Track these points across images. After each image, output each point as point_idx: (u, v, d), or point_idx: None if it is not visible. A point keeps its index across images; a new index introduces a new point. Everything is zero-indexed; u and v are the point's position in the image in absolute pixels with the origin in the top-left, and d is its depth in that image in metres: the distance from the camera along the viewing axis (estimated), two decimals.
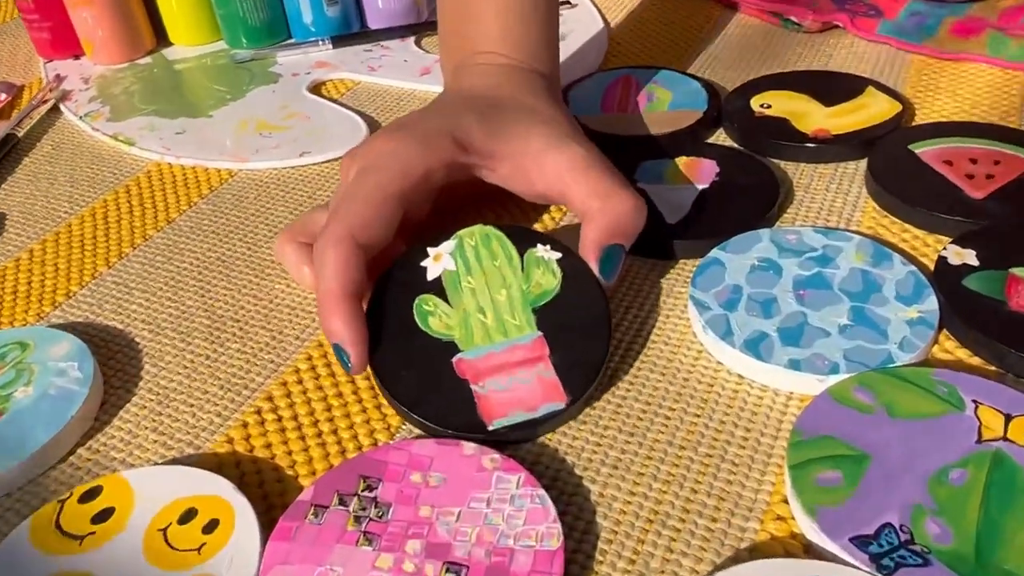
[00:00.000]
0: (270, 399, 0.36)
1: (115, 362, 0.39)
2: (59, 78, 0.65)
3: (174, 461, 0.34)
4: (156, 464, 0.34)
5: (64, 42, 0.68)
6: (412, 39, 0.65)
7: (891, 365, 0.33)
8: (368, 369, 0.34)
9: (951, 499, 0.28)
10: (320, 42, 0.64)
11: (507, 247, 0.37)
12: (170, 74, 0.64)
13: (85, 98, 0.61)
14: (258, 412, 0.36)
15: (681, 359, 0.36)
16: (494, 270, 0.36)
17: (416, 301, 0.36)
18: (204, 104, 0.59)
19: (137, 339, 0.40)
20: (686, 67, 0.59)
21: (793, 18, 0.61)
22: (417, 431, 0.34)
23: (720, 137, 0.50)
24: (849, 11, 0.60)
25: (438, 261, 0.37)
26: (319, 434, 0.34)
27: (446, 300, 0.36)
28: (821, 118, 0.48)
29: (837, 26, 0.61)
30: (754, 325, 0.35)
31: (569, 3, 0.68)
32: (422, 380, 0.34)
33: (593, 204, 0.37)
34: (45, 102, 0.61)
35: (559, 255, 0.36)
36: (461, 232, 0.38)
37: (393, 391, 0.33)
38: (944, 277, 0.36)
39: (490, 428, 0.32)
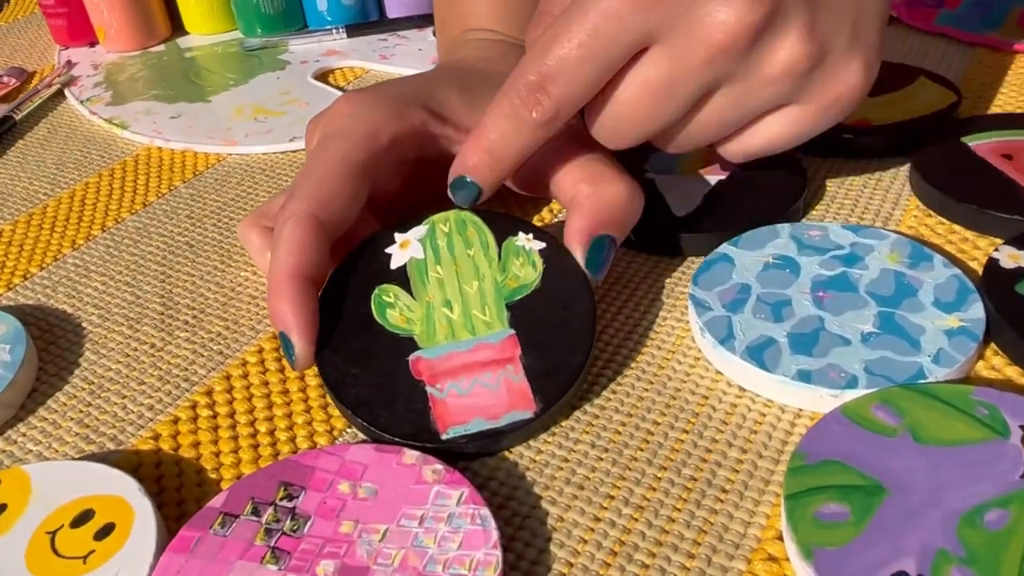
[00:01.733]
0: (209, 393, 0.32)
1: (56, 348, 0.35)
2: (70, 64, 0.63)
3: (92, 457, 0.30)
4: (71, 459, 0.30)
5: (80, 29, 0.66)
6: (430, 29, 0.62)
7: (922, 381, 0.27)
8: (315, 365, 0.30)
9: (985, 546, 0.22)
10: (334, 30, 0.61)
11: (484, 234, 0.32)
12: (180, 61, 0.61)
13: (91, 83, 0.59)
14: (193, 407, 0.32)
15: (674, 366, 0.31)
16: (467, 259, 0.32)
17: (375, 291, 0.31)
18: (206, 90, 0.56)
19: (84, 324, 0.36)
20: None
21: None
22: (362, 436, 0.30)
23: None
24: (905, 1, 0.54)
25: (405, 248, 0.32)
26: (254, 434, 0.30)
27: (409, 292, 0.31)
28: (864, 108, 0.43)
29: (893, 17, 0.55)
30: (760, 329, 0.30)
31: None
32: (372, 380, 0.29)
33: (581, 189, 0.32)
34: (51, 86, 0.60)
35: (542, 245, 0.32)
36: (434, 217, 0.33)
37: (337, 391, 0.29)
38: (994, 282, 0.31)
39: (444, 437, 0.28)
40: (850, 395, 0.27)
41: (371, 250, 0.32)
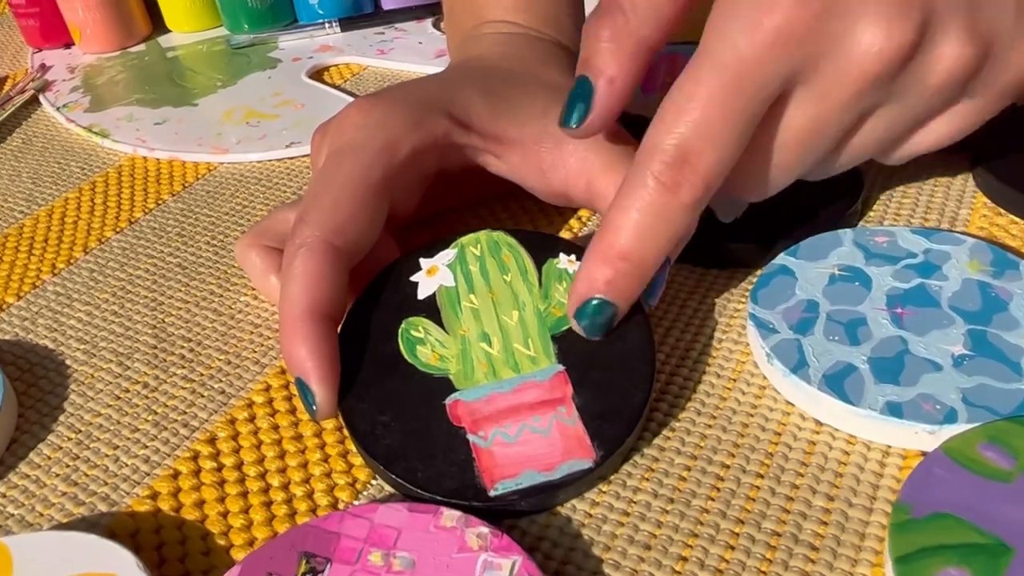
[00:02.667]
0: (212, 441, 0.28)
1: (37, 391, 0.31)
2: (43, 67, 0.59)
3: (82, 522, 0.26)
4: (58, 525, 0.26)
5: (53, 30, 0.62)
6: (430, 20, 0.58)
7: None
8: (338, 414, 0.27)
9: None
10: (327, 25, 0.57)
11: (521, 257, 0.29)
12: (162, 62, 0.57)
13: (67, 88, 0.55)
14: (195, 458, 0.28)
15: (738, 397, 0.27)
16: (504, 287, 0.28)
17: (402, 326, 0.28)
18: (191, 92, 0.52)
19: (68, 362, 0.33)
20: None
21: None
22: (389, 488, 0.26)
23: None
24: None
25: (432, 275, 0.29)
26: (265, 489, 0.27)
27: (441, 325, 0.28)
28: None
29: None
30: (836, 354, 0.26)
31: None
32: (405, 429, 0.25)
33: None
34: (23, 92, 0.55)
35: None
36: (463, 239, 0.30)
37: (366, 443, 0.25)
38: None
39: (492, 493, 0.24)
40: (949, 431, 0.24)
41: (394, 279, 0.29)
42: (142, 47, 0.60)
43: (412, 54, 0.54)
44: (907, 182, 0.36)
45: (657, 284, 0.27)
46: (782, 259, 0.30)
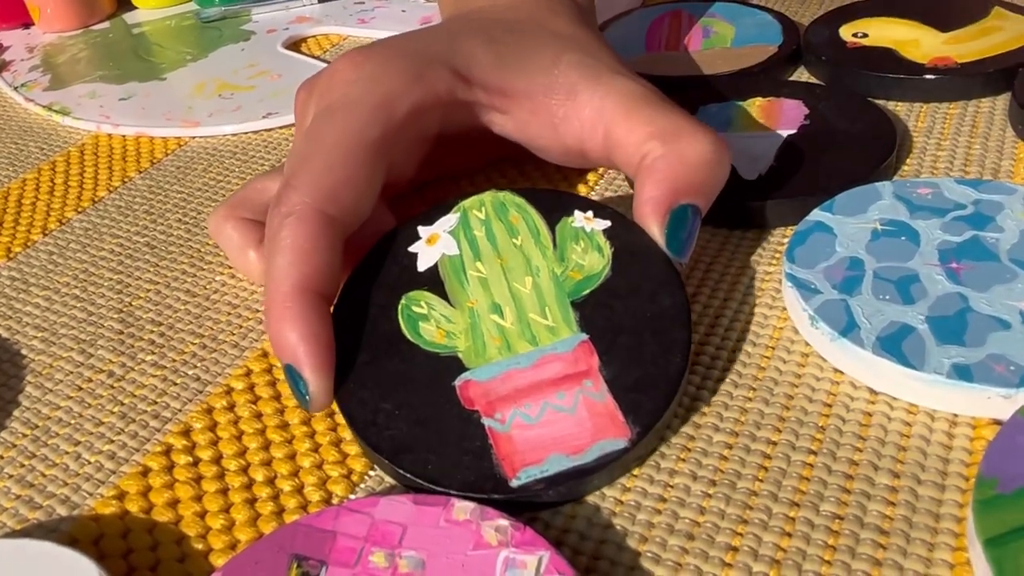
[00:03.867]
0: (186, 433, 0.25)
1: None
2: (1, 47, 0.55)
3: (38, 527, 0.23)
4: (10, 532, 0.23)
5: (11, 10, 0.58)
6: None
7: None
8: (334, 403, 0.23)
9: None
10: None
11: (531, 218, 0.26)
12: (128, 38, 0.54)
13: (25, 68, 0.52)
14: (167, 453, 0.25)
15: (779, 367, 0.24)
16: (514, 251, 0.25)
17: (402, 302, 0.24)
18: (159, 67, 0.48)
19: (24, 351, 0.29)
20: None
21: None
22: (389, 479, 0.23)
23: (802, 76, 0.39)
24: None
25: (433, 244, 0.26)
26: (248, 485, 0.23)
27: (445, 298, 0.24)
28: (938, 45, 0.37)
29: None
30: (889, 315, 0.24)
31: None
32: (411, 417, 0.22)
33: (654, 148, 0.25)
34: None
35: (607, 223, 0.25)
36: (465, 202, 0.26)
37: (368, 435, 0.22)
38: None
39: (514, 484, 0.21)
40: None
41: (391, 251, 0.26)
42: (106, 24, 0.57)
43: (395, 22, 0.50)
44: (940, 134, 0.33)
45: (688, 238, 0.24)
46: (817, 215, 0.28)
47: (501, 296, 0.24)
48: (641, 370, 0.22)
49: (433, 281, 0.25)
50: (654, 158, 0.25)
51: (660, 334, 0.23)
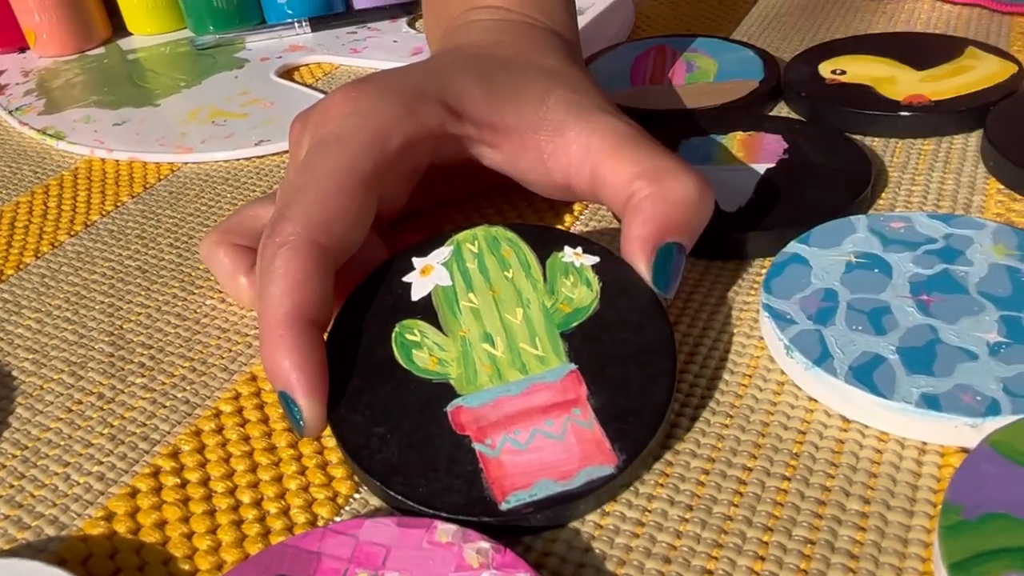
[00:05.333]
0: (175, 455, 0.26)
1: None
2: None
3: (27, 547, 0.23)
4: None
5: (7, 34, 0.59)
6: (404, 20, 0.56)
7: None
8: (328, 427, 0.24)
9: None
10: (297, 24, 0.55)
11: (522, 252, 0.26)
12: (123, 64, 0.54)
13: (20, 92, 0.52)
14: (155, 474, 0.25)
15: (755, 395, 0.25)
16: (506, 283, 0.26)
17: (396, 329, 0.25)
18: (153, 93, 0.49)
19: (15, 373, 0.30)
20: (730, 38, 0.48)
21: None
22: (374, 502, 0.23)
23: (783, 111, 0.40)
24: None
25: (427, 275, 0.26)
26: (235, 507, 0.24)
27: (438, 327, 0.25)
28: (914, 83, 0.38)
29: None
30: (861, 344, 0.24)
31: None
32: (403, 441, 0.23)
33: (640, 188, 0.26)
34: None
35: (596, 259, 0.26)
36: (458, 236, 0.27)
37: (360, 458, 0.23)
38: None
39: (504, 507, 0.21)
40: (993, 423, 0.22)
41: (385, 281, 0.26)
42: (101, 50, 0.57)
43: (386, 52, 0.51)
44: (915, 169, 0.34)
45: (673, 274, 0.25)
46: (793, 247, 0.28)
47: (492, 326, 0.25)
48: (628, 400, 0.23)
49: (426, 310, 0.25)
50: (641, 198, 0.26)
51: (646, 365, 0.23)
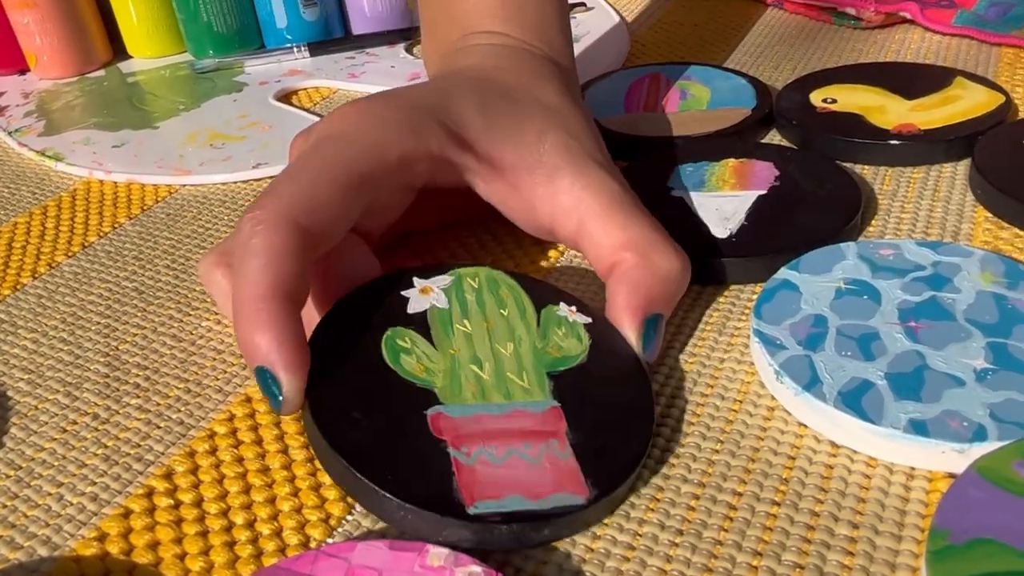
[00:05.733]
0: (169, 476, 0.26)
1: None
2: None
3: (19, 568, 0.23)
4: None
5: (8, 56, 0.59)
6: (402, 45, 0.56)
7: None
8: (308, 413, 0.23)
9: None
10: (296, 49, 0.55)
11: (520, 297, 0.27)
12: (123, 87, 0.55)
13: (20, 113, 0.53)
14: (149, 495, 0.25)
15: (745, 421, 0.25)
16: (500, 319, 0.26)
17: (388, 333, 0.25)
18: (152, 116, 0.50)
19: (10, 393, 0.30)
20: (724, 66, 0.49)
21: (850, 10, 0.51)
22: (366, 524, 0.24)
23: (775, 138, 0.40)
24: (918, 1, 0.50)
25: (426, 295, 0.26)
26: (228, 528, 0.24)
27: (430, 341, 0.25)
28: (903, 112, 0.38)
29: (902, 20, 0.51)
30: (851, 370, 0.25)
31: (584, 5, 0.59)
32: (378, 427, 0.23)
33: (627, 258, 0.27)
34: None
35: (588, 320, 0.27)
36: (461, 269, 0.27)
37: (329, 434, 0.22)
38: None
39: (471, 511, 0.21)
40: (979, 449, 0.22)
41: (382, 289, 0.26)
42: (101, 73, 0.58)
43: (385, 77, 0.52)
44: (904, 197, 0.35)
45: (657, 341, 0.26)
46: (784, 273, 0.29)
47: (483, 352, 0.25)
48: (605, 442, 0.23)
49: (420, 324, 0.26)
50: (628, 267, 0.27)
51: (626, 419, 0.24)
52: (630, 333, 0.26)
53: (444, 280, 0.27)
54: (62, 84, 0.57)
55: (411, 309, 0.26)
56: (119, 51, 0.60)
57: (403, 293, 0.26)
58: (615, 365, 0.25)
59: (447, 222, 0.36)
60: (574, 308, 0.27)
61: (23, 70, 0.60)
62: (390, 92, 0.30)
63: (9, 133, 0.50)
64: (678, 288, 0.27)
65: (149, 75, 0.56)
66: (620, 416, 0.24)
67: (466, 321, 0.26)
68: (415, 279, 0.27)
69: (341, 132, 0.27)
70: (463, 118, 0.29)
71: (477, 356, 0.25)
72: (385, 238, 0.33)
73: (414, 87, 0.31)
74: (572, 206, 0.28)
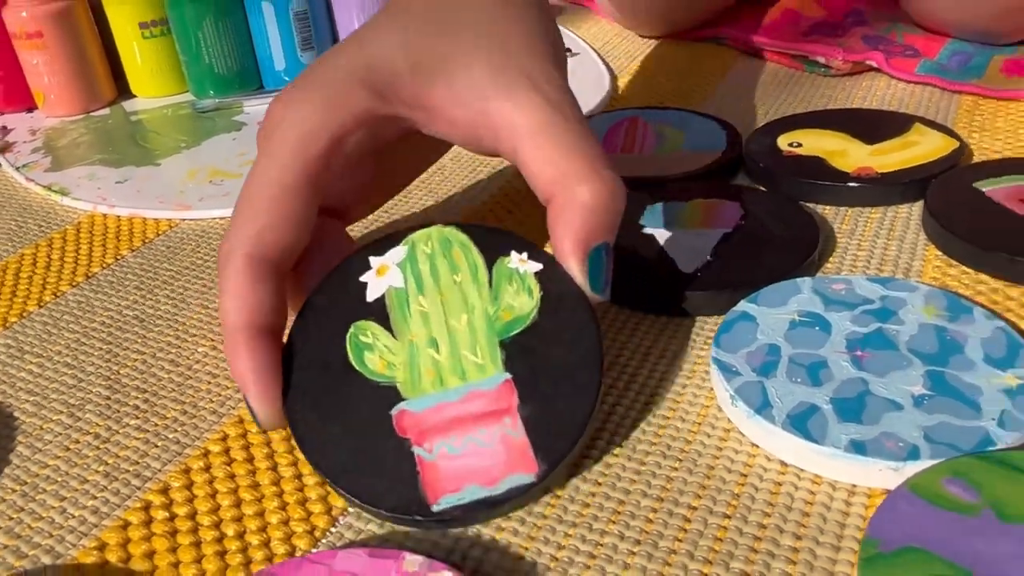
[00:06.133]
0: (165, 491, 0.27)
1: None
2: (5, 130, 0.59)
3: (24, 574, 0.25)
4: None
5: (17, 94, 0.62)
6: None
7: (991, 448, 0.24)
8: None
9: None
10: None
11: (472, 256, 0.28)
12: (126, 125, 0.57)
13: (28, 149, 0.55)
14: (146, 508, 0.27)
15: (703, 440, 0.27)
16: (454, 288, 0.28)
17: (351, 330, 0.28)
18: (154, 153, 0.52)
19: (16, 414, 0.32)
20: (700, 110, 0.51)
21: (820, 59, 0.54)
22: (349, 536, 0.25)
23: (744, 180, 0.43)
24: (884, 51, 0.53)
25: (382, 275, 0.29)
26: (220, 538, 0.26)
27: (390, 328, 0.28)
28: (863, 156, 0.41)
29: (869, 68, 0.54)
30: (799, 395, 0.27)
31: (569, 51, 0.62)
32: (353, 444, 0.26)
33: (558, 193, 0.27)
34: None
35: (539, 266, 0.28)
36: (415, 235, 0.29)
37: (315, 457, 0.26)
38: None
39: (435, 508, 0.24)
40: (913, 467, 0.24)
41: (344, 279, 0.29)
42: (106, 111, 0.60)
43: None
44: (859, 236, 0.37)
45: (606, 275, 0.27)
46: (743, 306, 0.31)
47: (439, 331, 0.27)
48: (554, 411, 0.25)
49: (380, 311, 0.28)
50: (558, 205, 0.27)
51: (574, 380, 0.26)
52: (576, 273, 0.27)
53: (399, 253, 0.29)
54: (68, 121, 0.59)
55: (370, 296, 0.28)
56: (123, 90, 0.63)
57: (361, 279, 0.29)
58: (565, 317, 0.27)
59: (424, 170, 0.37)
60: (525, 255, 0.28)
61: (30, 108, 0.62)
62: (312, 69, 0.30)
63: (17, 168, 0.52)
64: (613, 214, 0.27)
65: (152, 114, 0.59)
66: (568, 380, 0.26)
67: (421, 298, 0.28)
68: (371, 259, 0.29)
69: (268, 144, 0.28)
70: (386, 66, 0.29)
71: (433, 337, 0.27)
72: (364, 210, 0.35)
73: (339, 48, 0.31)
74: (507, 134, 0.28)
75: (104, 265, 0.41)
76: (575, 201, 0.27)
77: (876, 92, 0.51)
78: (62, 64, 0.58)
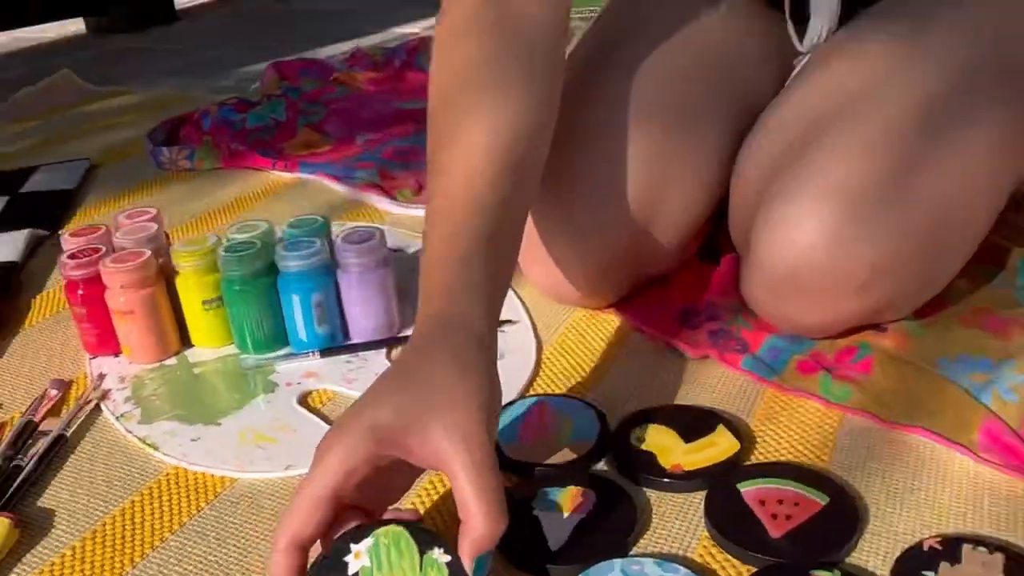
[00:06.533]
0: None
1: None
2: (101, 376, 0.82)
3: None
4: None
5: (107, 342, 0.84)
6: (384, 352, 0.82)
7: None
8: None
9: None
10: (311, 354, 0.81)
11: (411, 549, 0.50)
12: (190, 377, 0.80)
13: (121, 398, 0.78)
14: None
15: None
16: (400, 571, 0.49)
17: None
18: (215, 411, 0.75)
19: None
20: (595, 392, 0.74)
21: (678, 347, 0.78)
22: None
23: (610, 466, 0.65)
24: (720, 346, 0.77)
25: (358, 558, 0.50)
26: None
27: None
28: (679, 454, 0.64)
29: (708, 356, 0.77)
30: None
31: (511, 321, 0.85)
32: None
33: (469, 518, 0.47)
34: (89, 402, 0.78)
35: (449, 558, 0.49)
36: (378, 531, 0.50)
37: None
38: None
39: None
40: None
41: (335, 558, 0.50)
42: (174, 361, 0.83)
43: (371, 382, 0.77)
44: (664, 520, 0.59)
45: (487, 568, 0.49)
46: None
47: None
48: None
49: None
50: (467, 528, 0.48)
51: None
52: (468, 569, 0.48)
53: (368, 543, 0.50)
54: (147, 370, 0.82)
55: (350, 572, 0.49)
56: (185, 340, 0.86)
57: (345, 559, 0.50)
58: None
59: (412, 484, 0.59)
60: (442, 551, 0.49)
61: (116, 353, 0.85)
62: (345, 418, 0.51)
63: (116, 418, 0.75)
64: (494, 540, 0.47)
65: (208, 367, 0.82)
66: None
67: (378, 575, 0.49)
68: (351, 545, 0.50)
69: (314, 464, 0.50)
70: (384, 424, 0.50)
71: None
72: (383, 506, 0.56)
73: (359, 406, 0.52)
74: (449, 472, 0.48)
75: (190, 515, 0.63)
76: (476, 531, 0.50)
77: (719, 376, 0.75)
78: (145, 331, 0.82)
